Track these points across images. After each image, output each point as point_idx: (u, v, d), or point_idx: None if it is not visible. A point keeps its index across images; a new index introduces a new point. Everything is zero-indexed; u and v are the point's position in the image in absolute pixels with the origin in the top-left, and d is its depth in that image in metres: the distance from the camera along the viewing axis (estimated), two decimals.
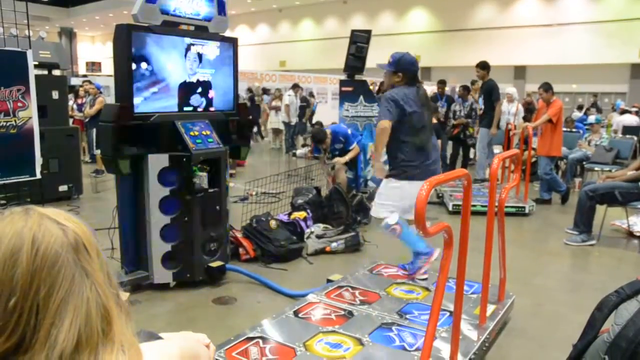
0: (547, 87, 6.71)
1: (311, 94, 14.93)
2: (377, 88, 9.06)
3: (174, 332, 1.02)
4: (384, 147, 3.47)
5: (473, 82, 9.48)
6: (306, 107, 13.04)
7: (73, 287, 0.70)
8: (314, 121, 13.05)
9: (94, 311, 0.71)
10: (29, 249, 0.68)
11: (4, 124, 4.00)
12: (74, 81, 14.09)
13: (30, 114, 4.14)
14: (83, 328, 0.69)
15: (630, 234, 5.51)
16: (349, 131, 6.35)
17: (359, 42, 6.69)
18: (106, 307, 0.73)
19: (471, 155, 9.32)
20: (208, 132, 3.86)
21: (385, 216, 3.49)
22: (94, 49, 37.67)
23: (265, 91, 15.51)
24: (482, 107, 7.69)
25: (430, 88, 9.97)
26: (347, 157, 6.13)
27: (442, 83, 9.24)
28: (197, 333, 1.05)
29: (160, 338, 0.94)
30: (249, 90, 14.70)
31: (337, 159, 6.22)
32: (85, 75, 18.34)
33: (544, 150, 6.75)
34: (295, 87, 13.03)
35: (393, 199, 3.48)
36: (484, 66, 7.57)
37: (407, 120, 3.36)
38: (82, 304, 0.70)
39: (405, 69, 3.39)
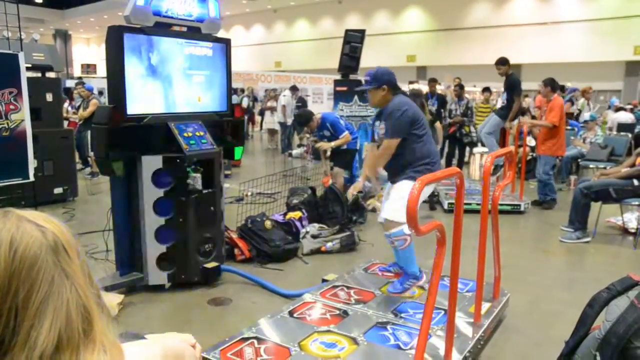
0: (547, 82, 6.41)
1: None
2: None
3: (159, 334, 1.01)
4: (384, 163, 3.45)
5: (462, 87, 9.51)
6: (302, 107, 13.04)
7: (53, 289, 0.69)
8: None
9: (74, 312, 0.70)
10: (7, 250, 0.68)
11: None
12: (69, 83, 14.05)
13: (22, 117, 4.12)
14: (63, 329, 0.69)
15: (625, 231, 5.52)
16: (342, 122, 6.20)
17: (353, 41, 6.69)
18: (87, 308, 0.72)
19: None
20: (202, 133, 3.85)
21: (403, 221, 3.42)
22: (89, 51, 37.61)
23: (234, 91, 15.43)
24: (505, 100, 7.53)
25: (426, 87, 9.96)
26: (332, 143, 6.06)
27: (433, 81, 9.23)
28: (183, 333, 1.05)
29: (144, 339, 0.94)
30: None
31: (321, 144, 6.17)
32: (80, 78, 18.27)
33: (548, 149, 6.41)
34: (294, 89, 13.05)
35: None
36: (505, 62, 7.35)
37: (418, 127, 3.37)
38: (62, 305, 0.69)
39: (386, 80, 3.40)
